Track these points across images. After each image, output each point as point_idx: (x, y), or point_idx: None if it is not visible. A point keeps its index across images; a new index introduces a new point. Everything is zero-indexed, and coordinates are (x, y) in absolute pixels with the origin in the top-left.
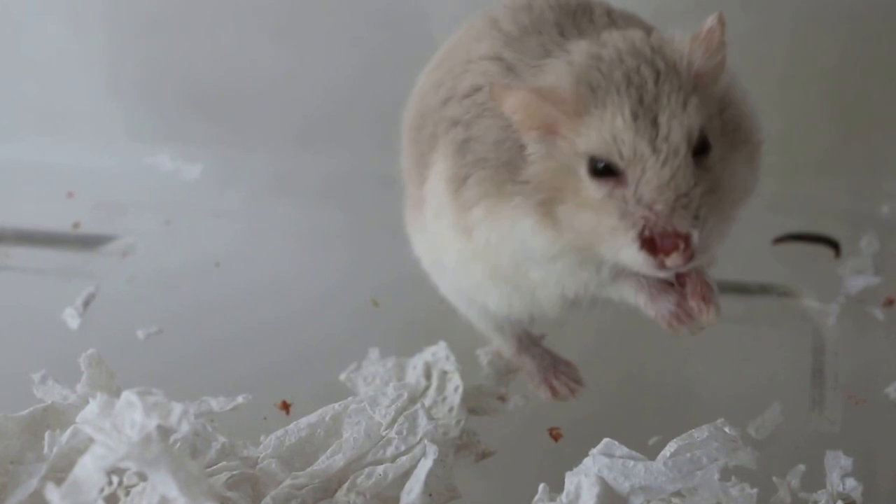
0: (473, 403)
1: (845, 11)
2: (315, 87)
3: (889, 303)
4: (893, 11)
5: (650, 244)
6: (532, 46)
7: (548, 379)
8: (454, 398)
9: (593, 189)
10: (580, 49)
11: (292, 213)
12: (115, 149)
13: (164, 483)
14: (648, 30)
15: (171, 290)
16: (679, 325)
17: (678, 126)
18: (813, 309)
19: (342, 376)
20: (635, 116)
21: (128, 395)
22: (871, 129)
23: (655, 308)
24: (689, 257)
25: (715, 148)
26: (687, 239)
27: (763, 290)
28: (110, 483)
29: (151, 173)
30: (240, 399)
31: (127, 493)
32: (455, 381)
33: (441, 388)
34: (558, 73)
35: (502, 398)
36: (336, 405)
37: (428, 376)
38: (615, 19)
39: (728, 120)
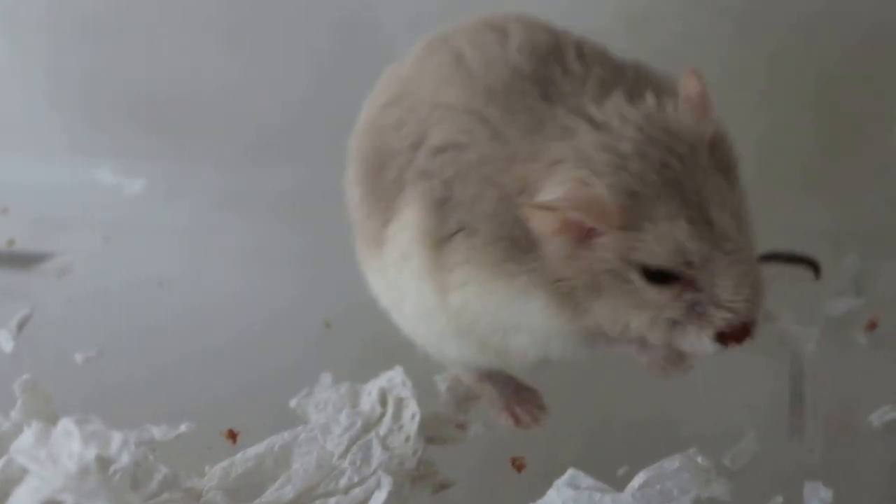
0: (431, 432)
1: (825, 26)
2: (266, 98)
3: (871, 326)
4: (874, 27)
5: (726, 337)
6: (518, 112)
7: (510, 406)
8: (411, 426)
9: (654, 293)
10: (590, 143)
11: (241, 231)
12: (52, 162)
13: None
14: (613, 60)
15: (111, 312)
16: (671, 369)
17: (729, 217)
18: (791, 332)
19: (292, 403)
20: (692, 221)
21: (65, 424)
22: (851, 145)
23: (647, 355)
24: (756, 334)
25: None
26: (756, 323)
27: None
28: None
29: (91, 188)
30: (183, 427)
31: None
32: (412, 409)
33: (397, 415)
34: (583, 176)
35: (462, 426)
36: (286, 434)
37: (383, 403)
38: (588, 62)
39: (718, 158)
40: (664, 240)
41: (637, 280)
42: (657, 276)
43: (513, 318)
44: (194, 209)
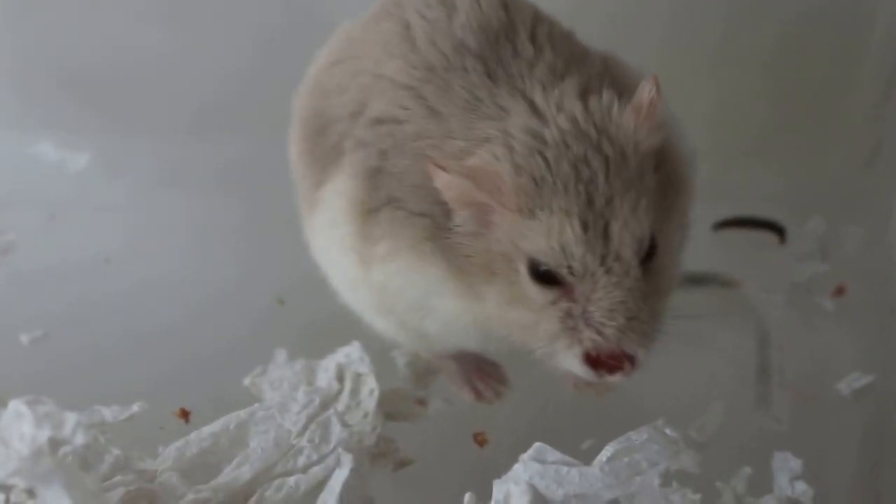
0: (390, 408)
1: None
2: (207, 69)
3: (838, 292)
4: None
5: (595, 361)
6: (457, 89)
7: (471, 381)
8: (369, 403)
9: (534, 292)
10: (519, 125)
11: (186, 205)
12: None
13: (56, 499)
14: (574, 48)
15: (56, 291)
16: (586, 389)
17: (629, 239)
18: (756, 299)
19: (246, 381)
20: (585, 227)
21: (16, 405)
22: (811, 108)
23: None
24: (632, 373)
25: (657, 236)
26: (633, 359)
27: (702, 280)
28: None
29: (33, 164)
30: (135, 407)
31: None
32: (370, 385)
33: (355, 392)
34: (497, 153)
35: (422, 402)
36: (241, 412)
37: (341, 379)
38: (540, 45)
39: (664, 178)
40: (552, 234)
41: (523, 272)
42: (542, 276)
43: (425, 299)
44: (138, 184)
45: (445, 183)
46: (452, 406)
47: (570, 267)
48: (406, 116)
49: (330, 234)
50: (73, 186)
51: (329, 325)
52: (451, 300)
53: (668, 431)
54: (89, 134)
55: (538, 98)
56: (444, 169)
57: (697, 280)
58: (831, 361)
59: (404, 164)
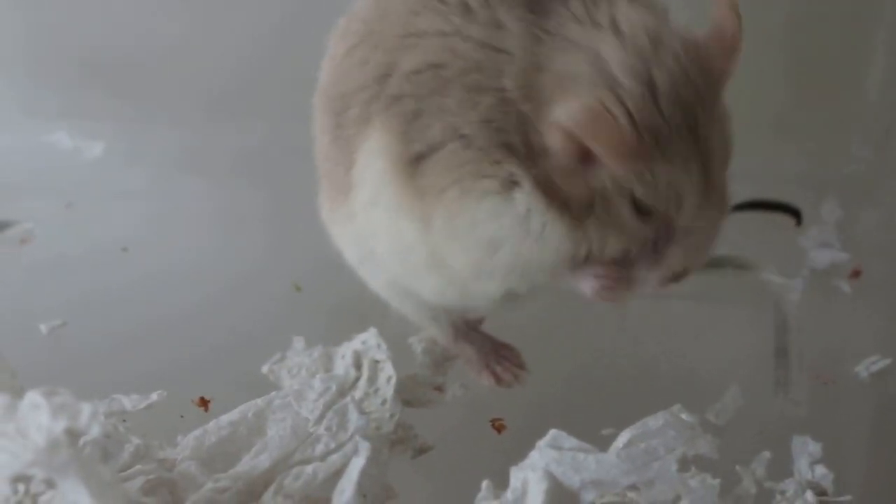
0: (408, 395)
1: None
2: (225, 53)
3: (855, 274)
4: None
5: (669, 279)
6: (505, 21)
7: (490, 365)
8: (387, 389)
9: (636, 227)
10: (617, 60)
11: (205, 192)
12: (7, 127)
13: (74, 490)
14: None
15: (74, 279)
16: (615, 294)
17: (723, 178)
18: (774, 283)
19: (264, 368)
20: (700, 173)
21: (32, 396)
22: (828, 87)
23: (584, 282)
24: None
25: None
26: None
27: (719, 263)
28: (15, 492)
29: (49, 152)
30: (154, 396)
31: (34, 503)
32: (388, 371)
33: (372, 378)
34: (605, 99)
35: (439, 388)
36: (259, 400)
37: (358, 366)
38: None
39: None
40: (672, 184)
41: (626, 209)
42: (643, 209)
43: (502, 229)
44: (156, 171)
45: (562, 140)
46: (470, 391)
47: (679, 207)
48: (449, 60)
49: (373, 207)
50: (90, 174)
51: (346, 312)
52: (556, 231)
53: (685, 416)
54: (106, 121)
55: (618, 17)
56: (569, 133)
57: (714, 263)
58: (849, 344)
59: (459, 100)
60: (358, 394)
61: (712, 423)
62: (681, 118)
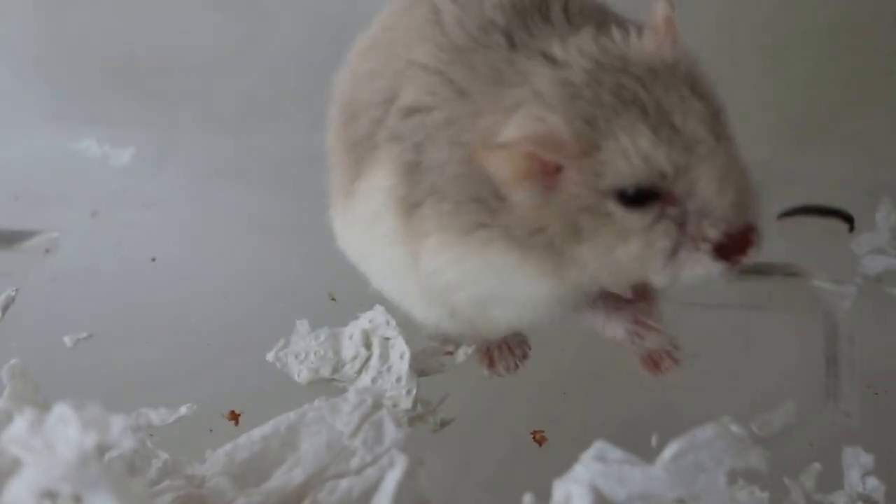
0: (421, 364)
1: None
2: (259, 59)
3: None
4: None
5: (725, 250)
6: (481, 65)
7: (490, 350)
8: (401, 366)
9: (635, 220)
10: (545, 78)
11: (235, 200)
12: (33, 133)
13: None
14: (605, 18)
15: (100, 290)
16: (639, 340)
17: (696, 122)
18: (825, 291)
19: (269, 356)
20: (654, 129)
21: (61, 409)
22: (882, 89)
23: (612, 329)
24: (760, 245)
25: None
26: (756, 229)
27: (768, 270)
28: None
29: (76, 160)
30: (183, 410)
31: None
32: (400, 347)
33: (384, 356)
34: (538, 113)
35: (450, 352)
36: (291, 414)
37: (368, 345)
38: (573, 14)
39: (695, 84)
40: (628, 153)
41: (615, 208)
42: (635, 199)
43: (492, 289)
44: (186, 179)
45: (500, 163)
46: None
47: (660, 172)
48: (435, 103)
49: (372, 227)
50: (117, 182)
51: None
52: (526, 282)
53: (733, 428)
54: (133, 128)
55: (556, 50)
56: (503, 148)
57: (764, 270)
58: None
59: (441, 156)
60: (371, 373)
61: (761, 434)
62: (612, 100)
